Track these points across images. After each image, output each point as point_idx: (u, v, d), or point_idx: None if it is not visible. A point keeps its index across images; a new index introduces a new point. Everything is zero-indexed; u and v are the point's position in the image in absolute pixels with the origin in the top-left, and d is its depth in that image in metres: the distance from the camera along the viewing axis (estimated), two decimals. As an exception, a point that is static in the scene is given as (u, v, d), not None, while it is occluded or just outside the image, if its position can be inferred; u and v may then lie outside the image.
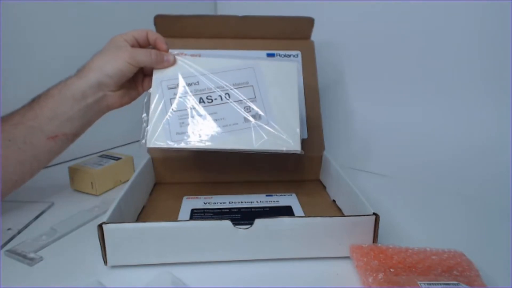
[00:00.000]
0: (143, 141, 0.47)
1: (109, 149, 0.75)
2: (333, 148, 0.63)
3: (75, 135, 0.49)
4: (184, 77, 0.48)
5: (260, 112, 0.48)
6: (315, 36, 0.63)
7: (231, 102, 0.48)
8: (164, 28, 0.59)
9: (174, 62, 0.49)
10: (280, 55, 0.62)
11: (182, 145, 0.46)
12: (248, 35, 0.62)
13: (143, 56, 0.47)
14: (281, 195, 0.55)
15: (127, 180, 0.49)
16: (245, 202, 0.53)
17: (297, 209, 0.51)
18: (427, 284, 0.34)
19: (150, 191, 0.57)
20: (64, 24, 0.68)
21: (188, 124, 0.47)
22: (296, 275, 0.39)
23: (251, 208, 0.51)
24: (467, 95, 0.66)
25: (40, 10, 0.64)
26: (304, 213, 0.50)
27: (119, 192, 0.44)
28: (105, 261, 0.39)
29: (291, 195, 0.55)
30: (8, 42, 0.61)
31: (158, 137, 0.46)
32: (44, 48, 0.66)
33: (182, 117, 0.47)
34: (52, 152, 0.47)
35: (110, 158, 0.63)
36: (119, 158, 0.63)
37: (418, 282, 0.34)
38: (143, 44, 0.50)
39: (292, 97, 0.49)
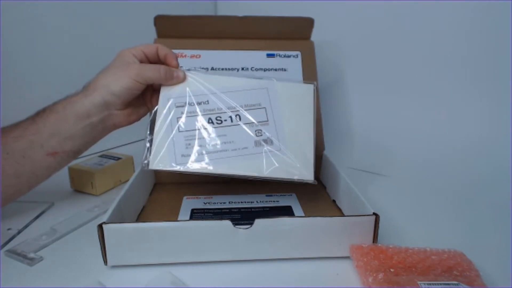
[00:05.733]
0: (145, 162, 0.44)
1: (109, 149, 0.75)
2: (333, 148, 0.63)
3: (76, 152, 0.47)
4: (193, 95, 0.46)
5: (272, 137, 0.45)
6: (315, 36, 0.63)
7: (241, 124, 0.45)
8: (164, 28, 0.59)
9: (184, 79, 0.47)
10: (280, 55, 0.62)
11: (187, 168, 0.44)
12: (248, 35, 0.62)
13: (152, 73, 0.45)
14: (281, 195, 0.55)
15: (127, 180, 0.49)
16: (245, 202, 0.53)
17: (297, 209, 0.51)
18: (427, 284, 0.34)
19: (150, 191, 0.57)
20: (63, 24, 0.68)
21: (194, 146, 0.44)
22: (296, 275, 0.39)
23: (251, 208, 0.51)
24: (468, 95, 0.66)
25: (40, 11, 0.64)
26: (304, 213, 0.50)
27: (119, 192, 0.44)
28: (105, 261, 0.39)
29: (291, 195, 0.55)
30: (9, 44, 0.61)
31: (162, 158, 0.44)
32: (43, 48, 0.66)
33: (189, 138, 0.45)
34: (51, 169, 0.46)
35: (110, 158, 0.63)
36: (119, 158, 0.63)
37: (418, 282, 0.34)
38: (153, 59, 0.48)
39: (307, 122, 0.46)
